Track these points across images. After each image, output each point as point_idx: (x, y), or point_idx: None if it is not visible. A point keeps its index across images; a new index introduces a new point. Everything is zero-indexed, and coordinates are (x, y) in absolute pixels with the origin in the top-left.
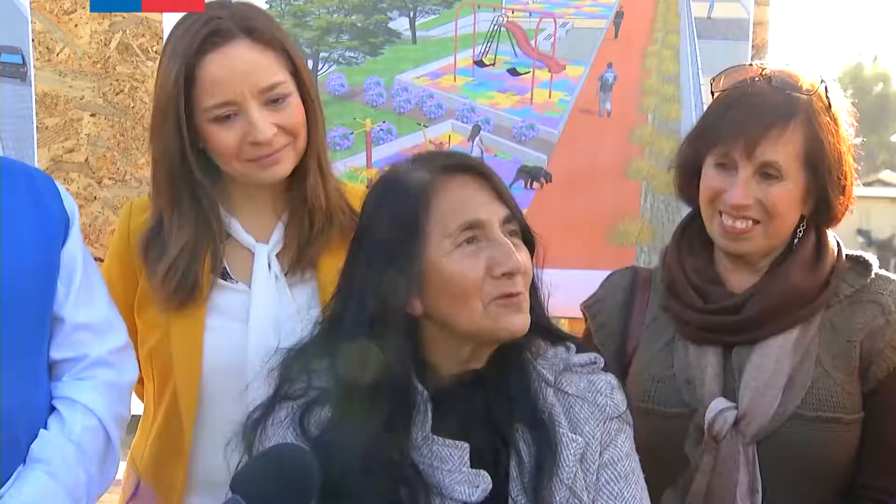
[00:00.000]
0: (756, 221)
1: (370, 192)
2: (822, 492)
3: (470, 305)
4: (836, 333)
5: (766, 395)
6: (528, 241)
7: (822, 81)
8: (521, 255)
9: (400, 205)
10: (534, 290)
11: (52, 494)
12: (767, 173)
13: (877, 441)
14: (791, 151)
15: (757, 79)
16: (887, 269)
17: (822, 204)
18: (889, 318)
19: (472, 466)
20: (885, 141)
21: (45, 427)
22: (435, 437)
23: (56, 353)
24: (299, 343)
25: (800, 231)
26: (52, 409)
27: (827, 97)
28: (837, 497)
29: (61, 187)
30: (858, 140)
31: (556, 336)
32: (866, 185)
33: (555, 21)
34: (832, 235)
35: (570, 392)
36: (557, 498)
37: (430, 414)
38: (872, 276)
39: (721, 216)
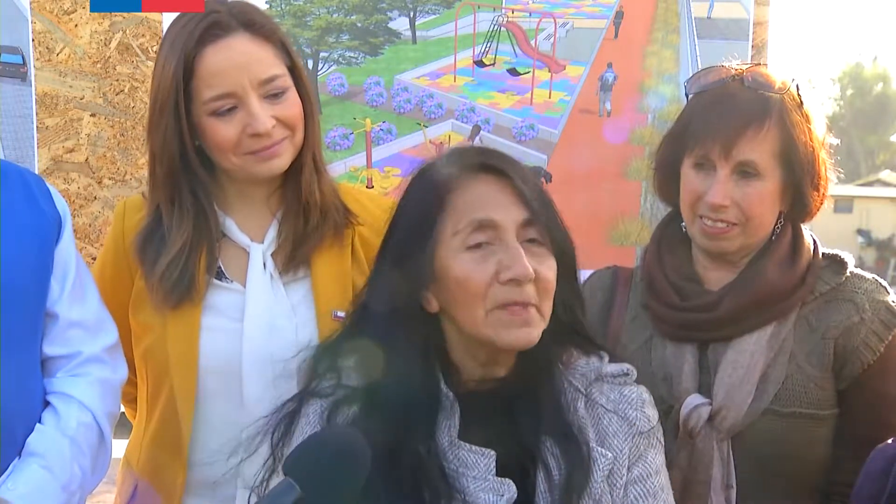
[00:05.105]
0: (734, 224)
1: (405, 184)
2: (795, 487)
3: (473, 310)
4: (812, 330)
5: (741, 391)
6: (565, 248)
7: (793, 80)
8: (540, 266)
9: (421, 199)
10: (575, 296)
11: (47, 488)
12: (745, 171)
13: (849, 438)
14: (767, 150)
15: (729, 80)
16: (887, 269)
17: (797, 199)
18: (863, 317)
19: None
20: (885, 141)
21: (40, 422)
22: (462, 442)
23: (49, 350)
24: (332, 337)
25: (777, 227)
26: (47, 404)
27: (798, 95)
28: (810, 492)
29: (52, 188)
30: (858, 138)
31: (590, 345)
32: (866, 185)
33: (555, 21)
34: (808, 233)
35: (600, 403)
36: None
37: (457, 419)
38: (848, 274)
39: (701, 219)
